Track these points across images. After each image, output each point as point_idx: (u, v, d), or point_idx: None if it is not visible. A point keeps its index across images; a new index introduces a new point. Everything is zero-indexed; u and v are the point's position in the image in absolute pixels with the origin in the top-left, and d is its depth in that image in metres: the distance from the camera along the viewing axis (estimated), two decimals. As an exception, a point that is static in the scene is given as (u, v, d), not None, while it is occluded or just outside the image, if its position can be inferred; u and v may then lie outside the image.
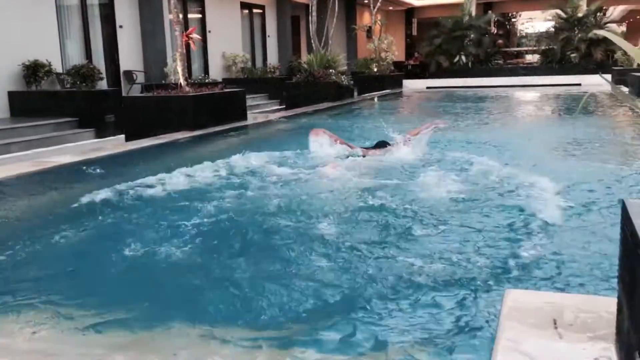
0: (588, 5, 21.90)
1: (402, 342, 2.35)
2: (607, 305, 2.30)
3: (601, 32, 2.31)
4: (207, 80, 13.48)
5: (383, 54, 19.58)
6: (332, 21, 15.65)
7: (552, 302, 2.51)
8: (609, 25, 21.62)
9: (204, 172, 5.48)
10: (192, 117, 8.74)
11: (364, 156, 6.31)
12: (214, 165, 5.79)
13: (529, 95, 17.78)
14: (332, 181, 5.10)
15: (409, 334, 2.41)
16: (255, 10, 18.95)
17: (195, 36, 9.43)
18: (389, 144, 6.63)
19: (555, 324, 2.32)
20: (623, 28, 25.06)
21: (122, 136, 9.05)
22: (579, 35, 20.67)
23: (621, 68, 17.42)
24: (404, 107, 16.02)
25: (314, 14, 14.55)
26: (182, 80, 9.09)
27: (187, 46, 9.60)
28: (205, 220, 3.94)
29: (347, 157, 6.23)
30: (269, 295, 2.79)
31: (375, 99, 17.00)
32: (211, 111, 9.19)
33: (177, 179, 5.21)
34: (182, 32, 9.14)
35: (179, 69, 9.09)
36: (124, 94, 12.03)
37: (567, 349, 2.10)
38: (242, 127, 9.48)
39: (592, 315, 2.32)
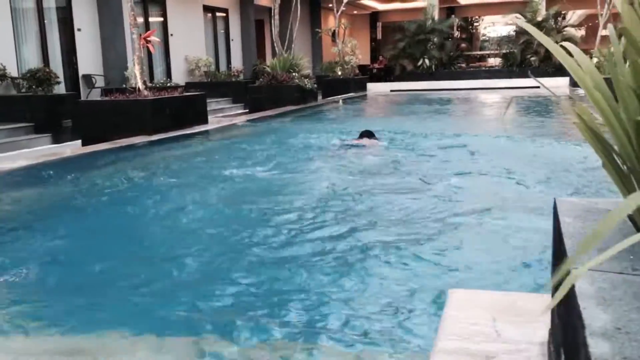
0: (547, 9, 22.40)
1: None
2: (545, 302, 2.34)
3: (522, 24, 2.34)
4: (169, 84, 13.33)
5: (347, 58, 19.67)
6: (295, 24, 15.65)
7: (494, 300, 2.55)
8: (567, 29, 22.14)
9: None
10: (150, 122, 8.62)
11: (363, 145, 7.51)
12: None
13: (487, 98, 18.06)
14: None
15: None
16: (218, 14, 18.83)
17: (154, 39, 9.31)
18: (373, 134, 7.74)
19: (494, 321, 2.36)
20: (582, 32, 25.71)
21: (79, 141, 8.87)
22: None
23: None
24: (365, 109, 16.12)
25: (277, 17, 14.54)
26: (140, 84, 8.97)
27: (150, 50, 9.49)
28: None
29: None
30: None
31: (340, 102, 17.05)
32: (170, 115, 9.08)
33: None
34: (140, 35, 9.02)
35: (137, 73, 8.96)
36: (83, 99, 11.81)
37: (504, 347, 2.14)
38: (202, 132, 9.38)
39: (529, 313, 2.36)
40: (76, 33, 12.94)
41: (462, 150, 7.20)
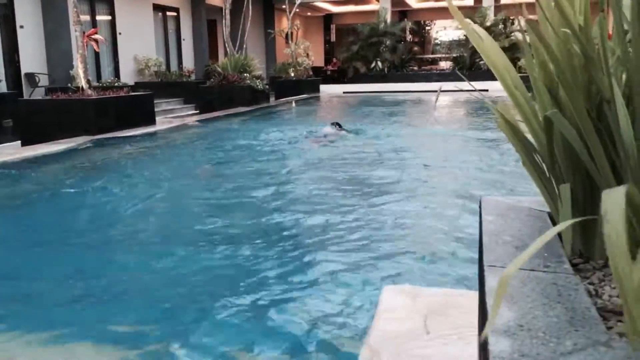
0: (495, 15, 22.92)
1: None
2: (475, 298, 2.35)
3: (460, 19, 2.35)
4: (117, 84, 13.02)
5: (300, 59, 19.66)
6: (246, 25, 15.53)
7: (426, 296, 2.56)
8: (515, 33, 22.70)
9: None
10: (94, 122, 8.40)
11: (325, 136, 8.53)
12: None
13: (428, 99, 18.33)
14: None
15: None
16: (169, 13, 18.52)
17: (98, 37, 9.06)
18: (340, 125, 8.82)
19: (425, 319, 2.37)
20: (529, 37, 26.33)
21: (19, 142, 8.57)
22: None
23: (524, 74, 18.27)
24: (317, 110, 16.12)
25: (228, 17, 14.40)
26: (83, 83, 8.72)
27: (94, 48, 9.23)
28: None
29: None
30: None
31: (293, 103, 17.02)
32: (115, 115, 8.86)
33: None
34: (84, 33, 8.77)
35: (81, 72, 8.71)
36: (25, 98, 11.41)
37: (434, 342, 2.14)
38: (149, 133, 9.18)
39: (459, 308, 2.39)
40: (18, 30, 12.50)
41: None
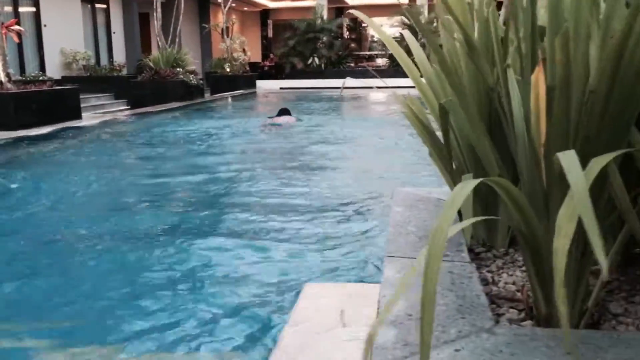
0: (428, 14, 23.37)
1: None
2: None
3: (353, 12, 2.35)
4: (41, 78, 12.44)
5: (236, 54, 19.42)
6: (179, 18, 15.19)
7: (346, 293, 2.55)
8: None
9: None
10: (14, 117, 8.00)
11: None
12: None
13: (372, 96, 18.54)
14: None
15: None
16: (98, 5, 17.85)
17: (17, 28, 8.63)
18: (289, 112, 9.75)
19: (342, 314, 2.36)
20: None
21: None
22: (421, 40, 21.99)
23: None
24: (254, 106, 15.97)
25: (159, 9, 14.05)
26: (2, 77, 8.29)
27: (14, 39, 8.79)
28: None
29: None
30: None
31: (229, 99, 16.79)
32: (38, 110, 8.46)
33: None
34: (2, 24, 8.33)
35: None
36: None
37: (349, 337, 2.13)
38: (74, 127, 8.83)
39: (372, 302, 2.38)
40: None
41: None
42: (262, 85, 20.83)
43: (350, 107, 15.44)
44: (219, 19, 23.86)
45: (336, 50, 23.63)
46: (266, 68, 25.24)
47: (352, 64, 25.21)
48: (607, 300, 1.54)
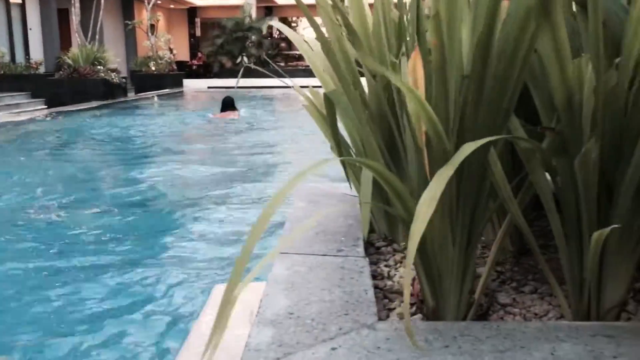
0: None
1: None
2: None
3: (271, 22, 2.31)
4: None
5: (161, 52, 18.93)
6: (99, 14, 14.63)
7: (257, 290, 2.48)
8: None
9: None
10: None
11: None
12: None
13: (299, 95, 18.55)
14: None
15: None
16: (12, 0, 16.95)
17: None
18: (234, 104, 10.63)
19: (252, 314, 2.28)
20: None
21: None
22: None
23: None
24: (180, 105, 15.59)
25: (77, 4, 13.48)
26: None
27: None
28: None
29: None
30: None
31: (156, 98, 16.34)
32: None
33: None
34: None
35: None
36: None
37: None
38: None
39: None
40: None
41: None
42: (190, 84, 20.43)
43: (282, 104, 15.40)
44: (144, 15, 23.21)
45: (265, 49, 23.49)
46: (194, 67, 24.77)
47: (282, 63, 25.12)
48: (498, 290, 1.53)
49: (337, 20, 1.33)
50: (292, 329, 1.13)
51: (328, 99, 1.37)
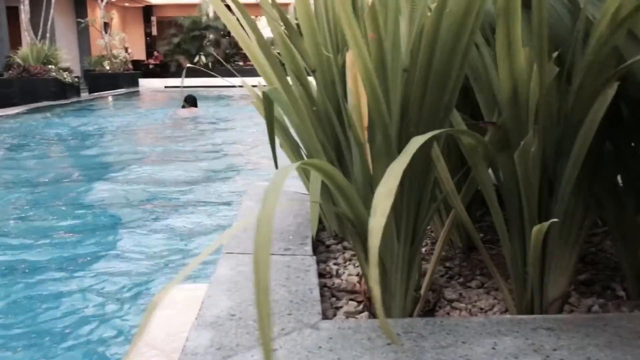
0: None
1: None
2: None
3: (210, 6, 2.25)
4: None
5: (115, 51, 18.52)
6: (49, 12, 14.21)
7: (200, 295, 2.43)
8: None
9: None
10: None
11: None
12: None
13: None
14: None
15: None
16: (-42, -4, 16.32)
17: None
18: (195, 101, 10.83)
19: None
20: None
21: None
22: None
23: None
24: (134, 105, 15.29)
25: (27, 2, 13.06)
26: None
27: None
28: None
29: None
30: None
31: (110, 98, 15.97)
32: None
33: None
34: None
35: None
36: None
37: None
38: None
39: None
40: None
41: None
42: (146, 83, 20.06)
43: (243, 102, 15.29)
44: (97, 14, 22.68)
45: (223, 48, 23.26)
46: (151, 66, 24.34)
47: (241, 62, 24.93)
48: (445, 286, 1.53)
49: (278, 16, 1.30)
50: (232, 331, 1.10)
51: (267, 97, 1.35)
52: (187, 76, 21.79)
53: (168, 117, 10.64)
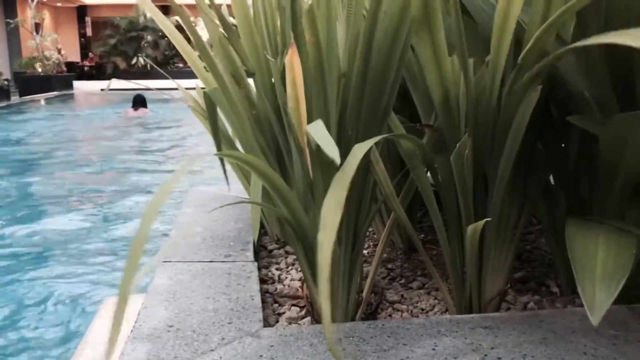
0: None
1: None
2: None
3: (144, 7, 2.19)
4: None
5: (48, 53, 17.84)
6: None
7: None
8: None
9: None
10: None
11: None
12: None
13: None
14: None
15: None
16: None
17: None
18: (145, 102, 10.73)
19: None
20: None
21: None
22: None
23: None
24: (70, 107, 14.79)
25: (-50, 1, 12.38)
26: None
27: None
28: None
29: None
30: None
31: (43, 102, 15.36)
32: None
33: None
34: None
35: None
36: None
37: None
38: None
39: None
40: None
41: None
42: (81, 86, 19.42)
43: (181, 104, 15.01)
44: (28, 14, 21.78)
45: (162, 50, 22.80)
46: (86, 68, 23.60)
47: (181, 64, 24.49)
48: (387, 288, 1.54)
49: (215, 16, 1.27)
50: (170, 343, 1.06)
51: (209, 98, 1.31)
52: (122, 78, 21.27)
53: (119, 116, 10.64)
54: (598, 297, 0.85)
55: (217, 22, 1.31)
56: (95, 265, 2.93)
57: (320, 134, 0.88)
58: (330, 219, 0.93)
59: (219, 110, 1.41)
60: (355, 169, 0.97)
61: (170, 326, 1.13)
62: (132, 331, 1.11)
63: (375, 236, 1.97)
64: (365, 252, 1.86)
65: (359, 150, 1.02)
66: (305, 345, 1.05)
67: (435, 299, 1.46)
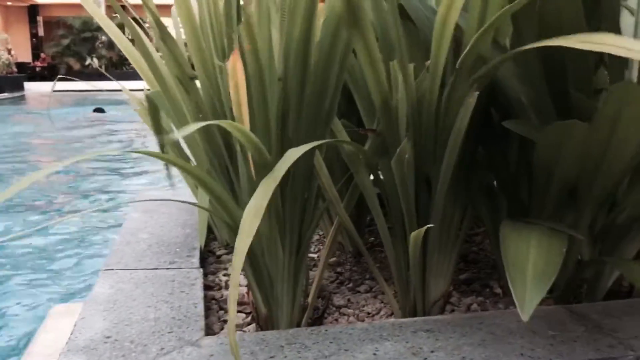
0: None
1: None
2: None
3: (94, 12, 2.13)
4: None
5: (-3, 53, 17.31)
6: None
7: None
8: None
9: None
10: None
11: None
12: None
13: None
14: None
15: None
16: None
17: None
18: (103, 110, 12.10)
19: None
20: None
21: None
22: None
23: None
24: (23, 109, 14.35)
25: None
26: None
27: None
28: None
29: None
30: None
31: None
32: None
33: None
34: None
35: None
36: None
37: None
38: None
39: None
40: None
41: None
42: (33, 87, 18.86)
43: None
44: (-24, 12, 21.07)
45: (117, 51, 22.35)
46: (38, 69, 22.95)
47: (136, 66, 24.08)
48: (335, 292, 1.54)
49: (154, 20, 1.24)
50: (106, 355, 1.03)
51: (151, 102, 1.29)
52: (79, 78, 20.75)
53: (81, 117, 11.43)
54: (528, 295, 0.87)
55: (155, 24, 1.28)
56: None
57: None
58: (248, 225, 0.91)
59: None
60: (282, 175, 0.96)
61: (108, 337, 1.10)
62: (67, 343, 1.07)
63: (325, 239, 1.96)
64: (315, 256, 1.85)
65: (291, 155, 1.01)
66: (246, 354, 1.04)
67: (382, 302, 1.46)
